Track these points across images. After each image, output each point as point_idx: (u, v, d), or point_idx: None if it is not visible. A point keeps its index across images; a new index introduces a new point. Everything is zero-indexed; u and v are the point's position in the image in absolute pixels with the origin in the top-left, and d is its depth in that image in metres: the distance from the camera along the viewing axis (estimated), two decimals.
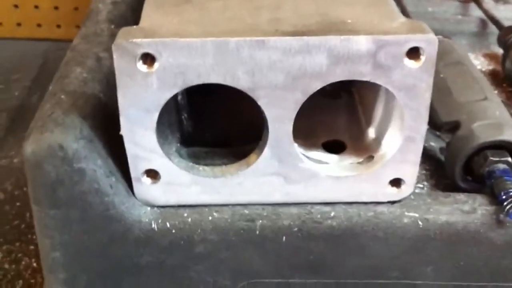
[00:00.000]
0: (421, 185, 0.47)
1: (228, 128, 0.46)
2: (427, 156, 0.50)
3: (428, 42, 0.36)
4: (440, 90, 0.50)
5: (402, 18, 0.38)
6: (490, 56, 0.66)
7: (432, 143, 0.51)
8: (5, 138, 0.87)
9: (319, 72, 0.36)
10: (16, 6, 1.10)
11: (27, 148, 0.38)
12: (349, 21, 0.37)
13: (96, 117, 0.41)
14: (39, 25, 1.12)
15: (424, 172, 0.49)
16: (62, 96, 0.41)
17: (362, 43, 0.36)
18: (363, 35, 0.35)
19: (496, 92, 0.59)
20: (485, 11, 0.68)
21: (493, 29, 0.67)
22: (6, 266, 0.68)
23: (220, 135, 0.46)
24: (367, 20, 0.37)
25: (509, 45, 0.60)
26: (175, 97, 0.43)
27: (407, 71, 0.36)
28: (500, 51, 0.63)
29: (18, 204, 0.76)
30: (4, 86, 1.01)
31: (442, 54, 0.53)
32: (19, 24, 1.12)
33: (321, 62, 0.36)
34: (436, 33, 0.58)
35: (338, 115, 0.47)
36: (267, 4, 0.40)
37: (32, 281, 0.66)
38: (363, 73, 0.37)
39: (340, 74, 0.37)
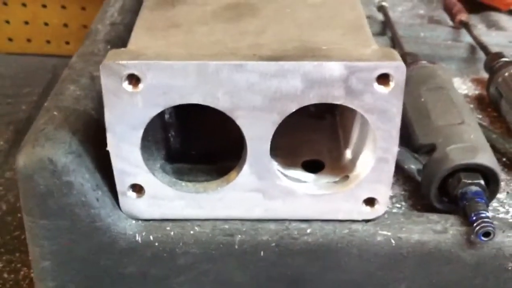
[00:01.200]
0: (399, 205, 0.49)
1: (213, 145, 0.48)
2: (406, 178, 0.52)
3: (397, 69, 0.38)
4: (420, 113, 0.52)
5: (375, 46, 0.40)
6: (478, 81, 0.68)
7: (412, 166, 0.53)
8: (10, 151, 0.90)
9: (294, 95, 0.38)
10: (26, 22, 1.14)
11: (19, 161, 0.40)
12: (324, 47, 0.39)
13: (86, 133, 0.43)
14: (48, 42, 1.16)
15: (402, 192, 0.50)
16: (55, 112, 0.43)
17: (334, 68, 0.38)
18: (335, 61, 0.38)
19: (480, 116, 0.61)
20: (474, 37, 0.70)
21: (482, 55, 0.68)
22: (5, 275, 0.70)
23: (205, 152, 0.48)
24: (342, 46, 0.40)
25: (494, 71, 0.62)
26: (160, 115, 0.45)
27: (378, 96, 0.38)
28: (487, 76, 0.64)
29: (19, 215, 0.78)
30: (12, 100, 1.04)
31: (425, 78, 0.56)
32: (29, 40, 1.16)
33: (296, 85, 0.38)
34: (426, 58, 0.61)
35: (320, 136, 0.49)
36: (251, 29, 0.42)
37: None
38: (336, 96, 0.39)
39: (314, 97, 0.39)
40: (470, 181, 0.45)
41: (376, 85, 0.38)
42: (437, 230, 0.44)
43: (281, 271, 0.44)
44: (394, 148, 0.40)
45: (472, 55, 0.72)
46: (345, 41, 0.40)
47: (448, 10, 0.78)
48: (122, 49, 0.39)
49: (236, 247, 0.43)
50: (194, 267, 0.44)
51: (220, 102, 0.39)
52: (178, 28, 0.42)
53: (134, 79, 0.38)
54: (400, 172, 0.52)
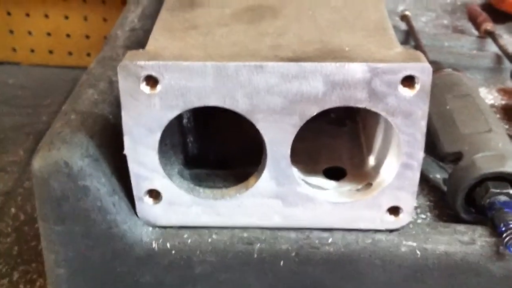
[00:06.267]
0: (424, 216, 0.47)
1: (231, 150, 0.47)
2: (431, 188, 0.50)
3: (423, 71, 0.36)
4: (446, 121, 0.50)
5: (399, 48, 0.38)
6: (504, 91, 0.66)
7: (438, 175, 0.51)
8: (29, 161, 0.90)
9: (316, 97, 0.37)
10: (49, 34, 1.15)
11: (35, 164, 0.40)
12: (347, 49, 0.38)
13: (103, 137, 0.42)
14: (70, 53, 1.17)
15: (427, 203, 0.49)
16: (73, 116, 0.43)
17: (357, 70, 0.36)
18: (358, 62, 0.36)
19: (507, 126, 0.59)
20: (500, 46, 0.68)
21: (508, 64, 0.67)
22: (21, 286, 0.70)
23: (224, 158, 0.47)
24: (365, 48, 0.38)
25: None
26: (178, 119, 0.45)
27: (402, 99, 0.37)
28: None
29: (36, 225, 0.78)
30: (33, 110, 1.05)
31: (451, 86, 0.54)
32: (51, 52, 1.16)
33: (317, 87, 0.37)
34: (451, 67, 0.59)
35: (341, 143, 0.48)
36: (272, 31, 0.41)
37: None
38: (359, 99, 0.37)
39: (336, 100, 0.37)
40: (498, 191, 0.43)
41: (400, 88, 0.37)
42: (465, 241, 0.42)
43: (300, 281, 0.43)
44: (419, 153, 0.39)
45: (498, 65, 0.70)
46: (368, 43, 0.39)
47: (473, 19, 0.77)
48: (140, 50, 0.38)
49: (255, 256, 0.42)
50: (211, 276, 0.43)
51: (239, 104, 0.38)
52: (196, 30, 0.41)
53: (151, 81, 0.37)
54: (425, 182, 0.50)
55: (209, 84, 0.37)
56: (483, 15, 0.75)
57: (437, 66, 0.59)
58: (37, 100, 1.07)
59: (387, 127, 0.41)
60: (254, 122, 0.38)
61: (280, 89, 0.37)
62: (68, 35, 1.15)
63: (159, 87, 0.37)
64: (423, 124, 0.38)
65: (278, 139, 0.39)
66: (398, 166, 0.39)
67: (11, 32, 1.14)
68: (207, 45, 0.39)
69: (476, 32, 0.76)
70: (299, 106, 0.38)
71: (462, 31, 0.80)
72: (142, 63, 0.37)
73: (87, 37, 1.15)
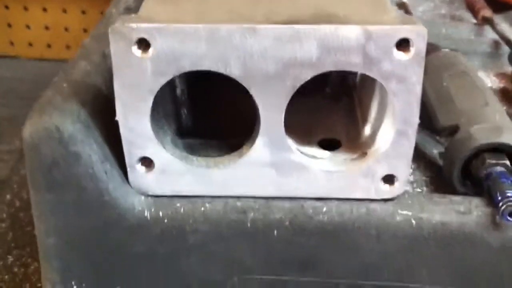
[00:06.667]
0: (420, 190, 0.47)
1: (226, 121, 0.47)
2: (428, 164, 0.50)
3: (418, 34, 0.36)
4: (442, 97, 0.50)
5: (394, 13, 0.38)
6: (502, 75, 0.65)
7: (434, 151, 0.50)
8: None
9: (310, 62, 0.37)
10: (47, 27, 1.15)
11: (25, 130, 0.39)
12: (342, 14, 0.38)
13: (96, 105, 0.42)
14: (68, 47, 1.17)
15: (424, 178, 0.48)
16: (64, 85, 0.42)
17: (351, 33, 0.36)
18: (353, 25, 0.36)
19: (504, 108, 0.59)
20: (498, 31, 0.68)
21: (505, 50, 0.66)
22: (15, 269, 0.70)
23: (218, 128, 0.47)
24: (360, 14, 0.38)
25: None
26: (171, 87, 0.44)
27: (397, 63, 0.37)
28: (511, 69, 0.62)
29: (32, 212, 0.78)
30: (31, 102, 1.04)
31: (447, 65, 0.54)
32: (49, 46, 1.16)
33: (311, 51, 0.37)
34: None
35: (337, 116, 0.48)
36: (266, 1, 0.41)
37: (39, 285, 0.67)
38: (353, 64, 0.37)
39: (330, 64, 0.37)
40: (495, 161, 0.42)
41: (395, 52, 0.36)
42: (461, 211, 0.41)
43: (294, 252, 0.42)
44: (414, 120, 0.38)
45: (496, 50, 0.70)
46: (363, 10, 0.39)
47: (471, 7, 0.77)
48: (132, 15, 0.38)
49: (249, 225, 0.41)
50: (204, 246, 0.42)
51: (232, 69, 0.37)
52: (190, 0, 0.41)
53: (143, 44, 0.37)
54: (422, 158, 0.50)
55: (201, 48, 0.37)
56: (481, 2, 0.75)
57: (433, 47, 0.59)
58: (34, 93, 1.06)
59: (382, 95, 0.41)
60: (247, 87, 0.38)
61: (273, 53, 0.37)
62: (66, 29, 1.15)
63: (151, 50, 0.37)
64: (418, 89, 0.38)
65: (271, 104, 0.38)
66: (393, 133, 0.39)
67: (9, 25, 1.14)
68: (199, 12, 0.39)
69: (474, 21, 0.76)
70: (293, 70, 0.37)
71: (460, 20, 0.80)
72: (134, 25, 0.36)
73: (85, 31, 1.15)
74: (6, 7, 1.12)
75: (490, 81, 0.65)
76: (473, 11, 0.76)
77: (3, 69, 1.12)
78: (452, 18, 0.81)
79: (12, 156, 0.88)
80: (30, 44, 1.16)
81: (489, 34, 0.72)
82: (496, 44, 0.70)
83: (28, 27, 1.14)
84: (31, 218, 0.75)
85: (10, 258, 0.70)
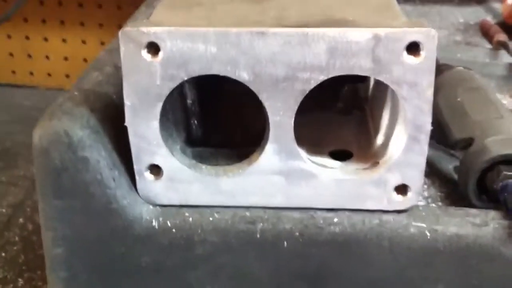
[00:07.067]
0: (434, 205, 0.46)
1: (236, 132, 0.46)
2: (443, 180, 0.48)
3: (428, 37, 0.35)
4: (456, 111, 0.49)
5: (404, 18, 0.38)
6: None
7: (449, 166, 0.49)
8: None
9: (319, 66, 0.37)
10: (66, 58, 1.17)
11: (35, 134, 0.39)
12: (351, 18, 0.38)
13: (106, 113, 0.42)
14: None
15: (439, 193, 0.47)
16: (76, 93, 0.43)
17: (360, 36, 0.36)
18: (362, 28, 0.36)
19: None
20: None
21: None
22: None
23: (228, 139, 0.46)
24: (369, 18, 0.38)
25: None
26: (181, 95, 0.44)
27: (408, 67, 0.36)
28: None
29: None
30: None
31: (461, 81, 0.53)
32: (67, 76, 1.18)
33: (320, 55, 0.36)
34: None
35: (348, 128, 0.47)
36: (275, 6, 0.41)
37: None
38: (363, 68, 0.37)
39: (339, 68, 0.37)
40: (511, 173, 0.41)
41: (405, 55, 0.36)
42: (477, 223, 0.40)
43: (304, 264, 0.41)
44: (426, 125, 0.38)
45: (511, 73, 0.69)
46: (373, 15, 0.39)
47: (485, 32, 0.76)
48: (144, 20, 0.38)
49: (258, 236, 0.40)
50: (212, 258, 0.41)
51: (241, 73, 0.37)
52: (200, 6, 0.41)
53: (153, 48, 0.37)
54: (437, 174, 0.49)
55: (211, 52, 0.37)
56: (495, 27, 0.75)
57: (447, 67, 0.58)
58: None
59: (394, 103, 0.40)
60: (256, 92, 0.38)
61: (282, 57, 0.37)
62: (85, 60, 1.16)
63: (160, 54, 0.37)
64: (430, 94, 0.37)
65: (281, 109, 0.38)
66: (405, 140, 0.38)
67: (29, 56, 1.16)
68: (209, 17, 0.39)
69: (489, 46, 0.76)
70: (302, 74, 0.37)
71: (475, 45, 0.80)
72: (144, 29, 0.37)
73: None
74: (27, 37, 1.14)
75: (506, 102, 0.64)
76: (488, 36, 0.76)
77: (22, 97, 1.14)
78: (467, 44, 0.81)
79: (26, 182, 0.89)
80: (49, 74, 1.18)
81: (504, 57, 0.72)
82: (511, 67, 0.70)
83: (47, 57, 1.16)
84: None
85: (21, 281, 0.69)
